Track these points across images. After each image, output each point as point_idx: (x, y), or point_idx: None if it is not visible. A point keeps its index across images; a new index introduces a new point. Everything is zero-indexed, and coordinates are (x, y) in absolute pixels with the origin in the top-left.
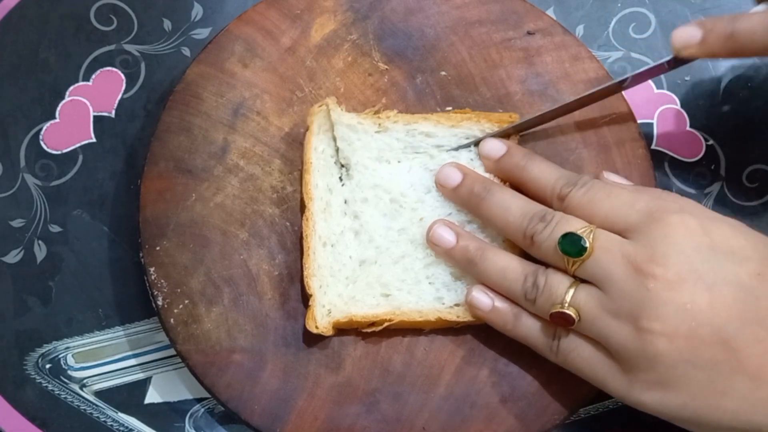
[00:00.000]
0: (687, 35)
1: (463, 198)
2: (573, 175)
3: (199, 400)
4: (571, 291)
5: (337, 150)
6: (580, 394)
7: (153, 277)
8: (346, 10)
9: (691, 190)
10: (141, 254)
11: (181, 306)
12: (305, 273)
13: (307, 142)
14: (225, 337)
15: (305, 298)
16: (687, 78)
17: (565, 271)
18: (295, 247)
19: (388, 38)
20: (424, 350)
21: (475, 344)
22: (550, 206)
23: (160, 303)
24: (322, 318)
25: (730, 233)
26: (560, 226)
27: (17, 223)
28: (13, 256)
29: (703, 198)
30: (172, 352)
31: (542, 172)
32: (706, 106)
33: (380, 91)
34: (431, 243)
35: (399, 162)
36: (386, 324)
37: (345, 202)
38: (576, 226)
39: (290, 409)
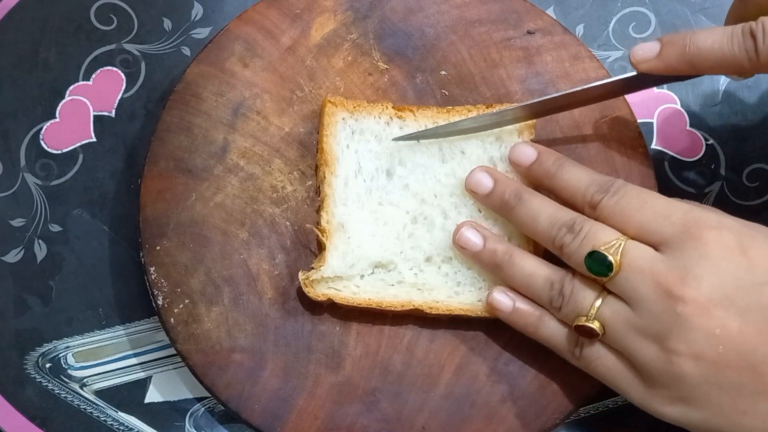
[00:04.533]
0: (645, 49)
1: (494, 205)
2: (605, 180)
3: (199, 400)
4: (597, 303)
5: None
6: (580, 393)
7: (153, 277)
8: (346, 9)
9: (691, 190)
10: (141, 254)
11: (181, 306)
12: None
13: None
14: (225, 337)
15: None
16: None
17: (594, 280)
18: (295, 246)
19: (388, 37)
20: (424, 349)
21: (474, 344)
22: (582, 212)
23: (160, 303)
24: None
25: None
26: (588, 240)
27: (17, 222)
28: (14, 256)
29: (703, 197)
30: (172, 351)
31: (572, 179)
32: (706, 106)
33: (380, 90)
34: (458, 245)
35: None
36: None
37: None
38: (604, 239)
39: (290, 408)
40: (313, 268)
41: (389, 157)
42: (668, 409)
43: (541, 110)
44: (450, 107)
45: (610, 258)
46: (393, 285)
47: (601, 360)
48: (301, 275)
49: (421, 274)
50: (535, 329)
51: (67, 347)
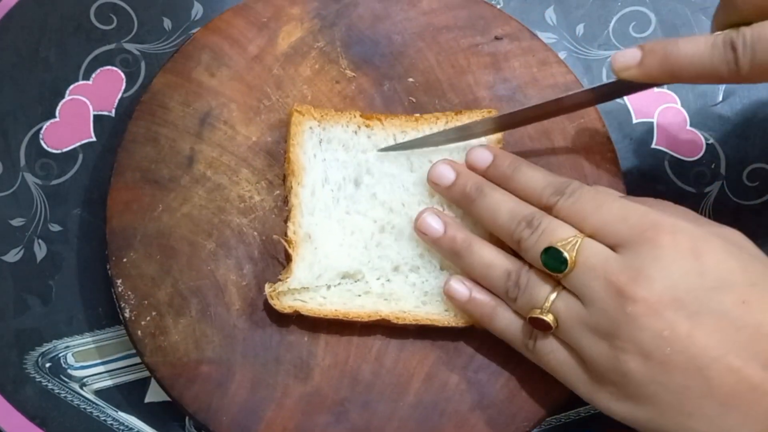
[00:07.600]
0: (626, 57)
1: (455, 197)
2: (561, 182)
3: None
4: (552, 297)
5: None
6: (550, 400)
7: (120, 289)
8: (313, 17)
9: (691, 189)
10: (108, 266)
11: (148, 318)
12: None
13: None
14: (193, 349)
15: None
16: None
17: (550, 275)
18: (263, 256)
19: (356, 45)
20: (393, 359)
21: (443, 352)
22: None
23: (127, 315)
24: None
25: (721, 256)
26: (545, 236)
27: (17, 222)
28: (13, 255)
29: (704, 197)
30: None
31: (528, 181)
32: (707, 105)
33: (348, 98)
34: (419, 231)
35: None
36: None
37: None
38: (561, 235)
39: (259, 420)
40: (280, 279)
41: (357, 167)
42: (615, 406)
43: (514, 121)
44: (418, 115)
45: (566, 254)
46: (360, 295)
47: (554, 354)
48: (267, 287)
49: (388, 284)
50: (490, 319)
51: (67, 347)
